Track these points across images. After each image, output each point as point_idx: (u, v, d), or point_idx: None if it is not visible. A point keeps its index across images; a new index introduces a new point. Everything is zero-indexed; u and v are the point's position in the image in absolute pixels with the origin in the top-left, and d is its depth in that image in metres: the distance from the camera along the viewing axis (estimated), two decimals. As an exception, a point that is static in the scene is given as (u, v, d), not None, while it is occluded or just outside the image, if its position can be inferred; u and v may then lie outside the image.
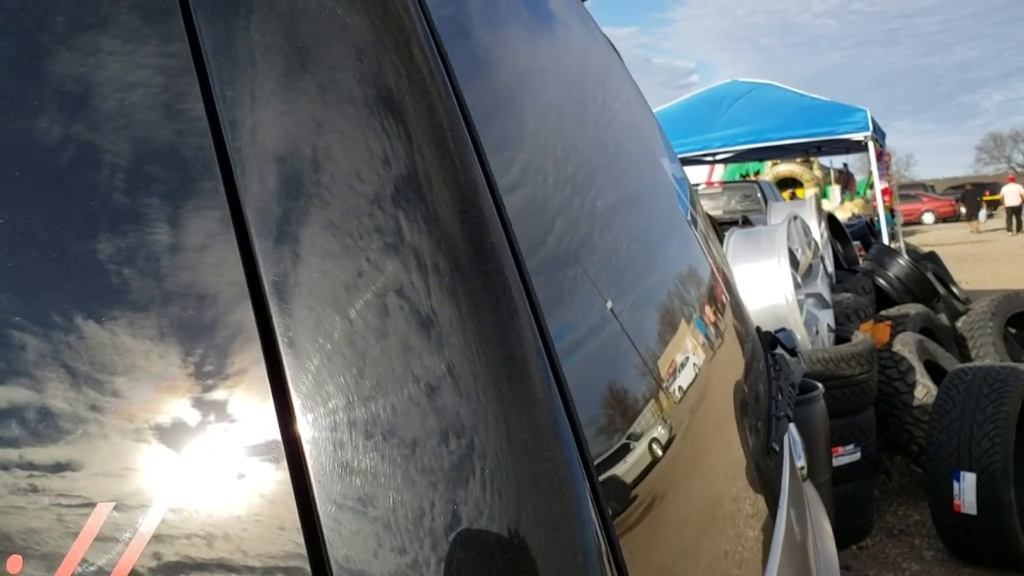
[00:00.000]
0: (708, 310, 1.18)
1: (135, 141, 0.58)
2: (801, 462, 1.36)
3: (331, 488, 0.51)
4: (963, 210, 31.56)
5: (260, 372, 0.53)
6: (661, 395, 0.81)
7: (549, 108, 0.89)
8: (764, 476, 1.09)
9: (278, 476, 0.52)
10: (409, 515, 0.51)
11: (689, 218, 1.37)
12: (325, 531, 0.51)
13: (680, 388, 0.88)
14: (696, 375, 0.94)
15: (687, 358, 0.95)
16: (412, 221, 0.55)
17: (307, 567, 0.51)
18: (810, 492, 1.55)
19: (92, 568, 0.53)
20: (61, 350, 0.56)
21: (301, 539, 0.51)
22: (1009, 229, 25.84)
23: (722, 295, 1.30)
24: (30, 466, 0.55)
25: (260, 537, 0.52)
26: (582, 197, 0.85)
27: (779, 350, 1.45)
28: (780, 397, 1.23)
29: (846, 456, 4.22)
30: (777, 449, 1.12)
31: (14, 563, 0.54)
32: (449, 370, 0.53)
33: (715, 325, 1.17)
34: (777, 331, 1.49)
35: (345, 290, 0.54)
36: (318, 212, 0.55)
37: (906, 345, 4.97)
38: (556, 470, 0.55)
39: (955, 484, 3.74)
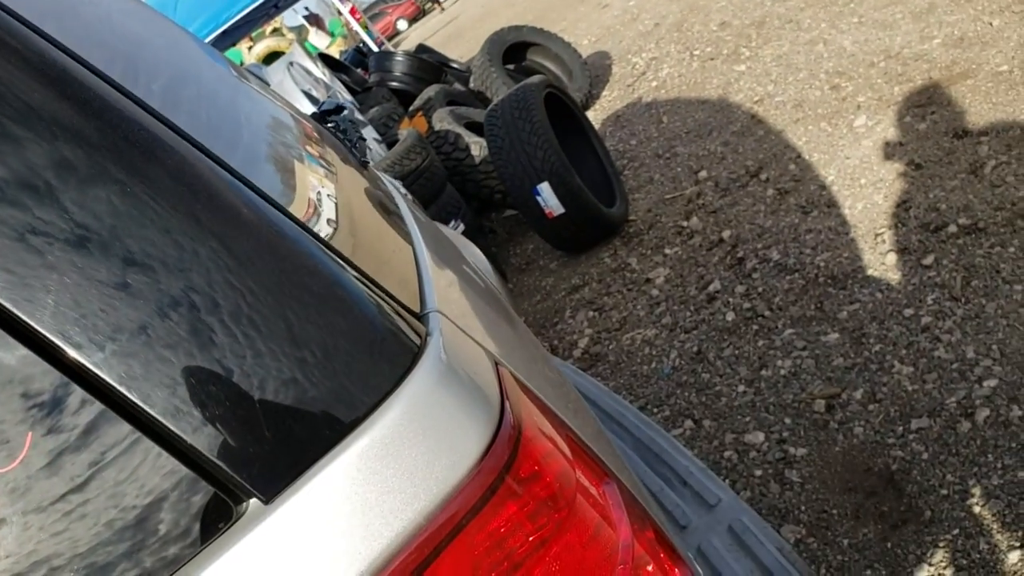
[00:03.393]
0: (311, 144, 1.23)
1: None
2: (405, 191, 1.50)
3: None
4: (427, -4, 34.04)
5: None
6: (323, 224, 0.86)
7: None
8: (393, 216, 1.18)
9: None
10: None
11: (238, 75, 1.37)
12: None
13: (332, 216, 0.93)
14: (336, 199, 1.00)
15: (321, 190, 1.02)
16: None
17: None
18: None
19: None
20: None
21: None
22: None
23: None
24: None
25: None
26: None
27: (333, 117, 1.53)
28: (348, 133, 1.35)
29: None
30: (367, 162, 1.23)
31: None
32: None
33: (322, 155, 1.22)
34: (320, 106, 1.55)
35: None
36: None
37: (443, 120, 5.39)
38: None
39: (538, 199, 4.26)
